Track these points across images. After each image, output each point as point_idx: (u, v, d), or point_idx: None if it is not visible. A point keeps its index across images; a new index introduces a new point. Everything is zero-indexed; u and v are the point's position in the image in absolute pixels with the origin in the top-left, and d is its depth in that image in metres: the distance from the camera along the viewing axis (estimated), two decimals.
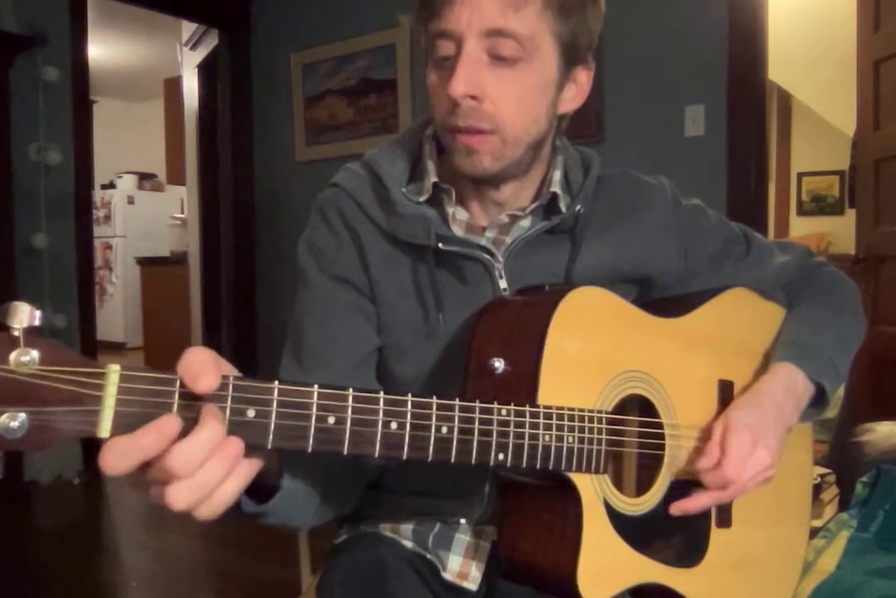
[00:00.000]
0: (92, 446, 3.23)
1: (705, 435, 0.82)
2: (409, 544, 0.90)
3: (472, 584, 0.86)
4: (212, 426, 0.51)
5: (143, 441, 0.49)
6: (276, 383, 0.53)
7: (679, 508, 0.77)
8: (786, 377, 0.85)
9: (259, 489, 0.65)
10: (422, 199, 0.85)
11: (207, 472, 0.51)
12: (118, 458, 0.49)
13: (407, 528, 0.90)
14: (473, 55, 0.75)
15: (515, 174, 0.84)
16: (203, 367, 0.50)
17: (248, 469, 0.55)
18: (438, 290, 0.84)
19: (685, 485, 0.80)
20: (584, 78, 0.84)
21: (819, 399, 0.88)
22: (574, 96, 0.85)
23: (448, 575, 0.87)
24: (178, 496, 0.51)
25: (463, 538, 0.88)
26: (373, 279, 0.86)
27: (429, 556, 0.88)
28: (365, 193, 0.87)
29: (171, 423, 0.50)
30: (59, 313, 3.09)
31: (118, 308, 6.76)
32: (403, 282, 0.86)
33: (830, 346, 0.89)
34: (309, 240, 0.89)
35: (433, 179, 0.85)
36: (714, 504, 0.78)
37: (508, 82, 0.77)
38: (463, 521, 0.88)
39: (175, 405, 0.50)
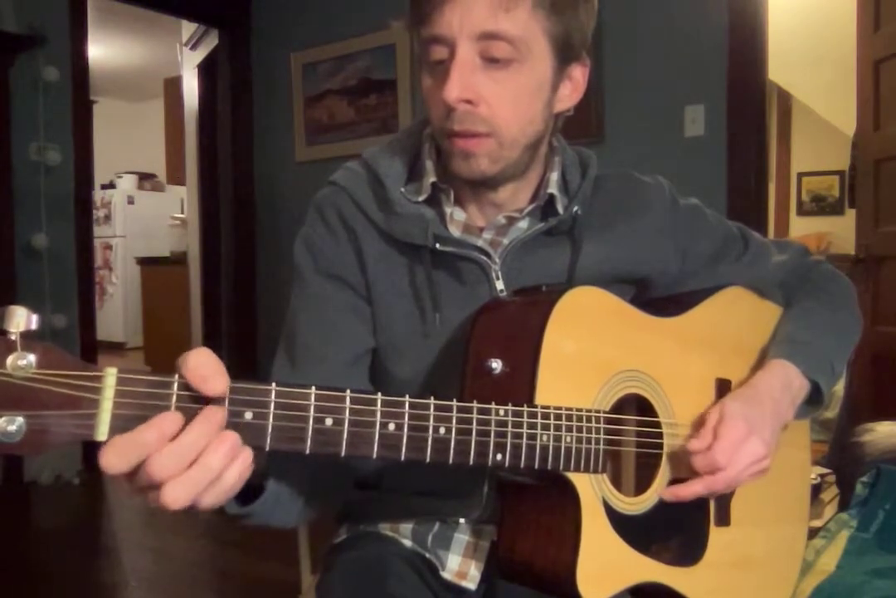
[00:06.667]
0: (92, 447, 3.22)
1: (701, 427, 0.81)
2: (408, 543, 0.90)
3: (471, 583, 0.86)
4: (201, 425, 0.50)
5: (144, 438, 0.49)
6: (274, 385, 0.53)
7: (672, 493, 0.77)
8: (782, 374, 0.85)
9: (243, 490, 0.65)
10: (420, 198, 0.85)
11: (201, 467, 0.51)
12: (118, 456, 0.49)
13: (406, 527, 0.90)
14: (466, 59, 0.75)
15: (513, 175, 0.84)
16: (211, 369, 0.51)
17: (249, 455, 0.54)
18: (435, 290, 0.84)
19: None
20: (579, 75, 0.84)
21: (814, 397, 0.88)
22: (570, 94, 0.84)
23: (447, 574, 0.87)
24: (174, 496, 0.50)
25: (462, 537, 0.88)
26: (369, 279, 0.86)
27: (428, 555, 0.88)
28: (363, 191, 0.86)
29: (170, 419, 0.50)
30: (59, 313, 3.07)
31: (118, 308, 6.76)
32: (400, 282, 0.86)
33: (826, 343, 0.89)
34: (306, 238, 0.88)
35: (432, 178, 0.85)
36: (706, 492, 0.77)
37: (503, 84, 0.76)
38: (462, 520, 0.88)
39: (173, 408, 0.50)
